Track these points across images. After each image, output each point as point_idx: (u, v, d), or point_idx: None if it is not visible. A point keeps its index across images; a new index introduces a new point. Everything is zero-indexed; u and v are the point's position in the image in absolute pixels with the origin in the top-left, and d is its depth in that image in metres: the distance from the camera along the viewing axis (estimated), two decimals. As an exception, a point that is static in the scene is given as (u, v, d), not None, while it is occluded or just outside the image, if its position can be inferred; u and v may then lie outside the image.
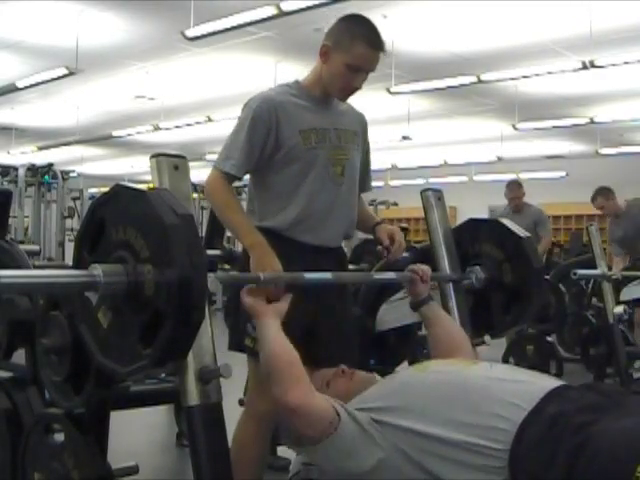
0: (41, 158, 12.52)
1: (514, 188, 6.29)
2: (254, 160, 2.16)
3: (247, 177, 2.27)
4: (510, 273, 2.52)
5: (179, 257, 1.41)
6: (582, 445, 1.38)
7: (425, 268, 2.26)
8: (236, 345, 2.19)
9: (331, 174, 2.22)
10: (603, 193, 5.84)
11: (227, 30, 6.55)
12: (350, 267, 4.83)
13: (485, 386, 1.65)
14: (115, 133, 11.87)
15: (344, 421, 1.62)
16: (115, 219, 1.54)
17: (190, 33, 6.64)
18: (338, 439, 1.61)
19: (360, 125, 2.38)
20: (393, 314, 2.78)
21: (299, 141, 2.17)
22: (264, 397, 2.05)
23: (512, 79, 8.52)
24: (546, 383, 1.65)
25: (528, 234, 2.59)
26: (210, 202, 2.26)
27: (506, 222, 2.62)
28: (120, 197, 1.56)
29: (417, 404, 1.64)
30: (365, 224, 2.42)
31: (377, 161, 3.48)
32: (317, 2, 5.81)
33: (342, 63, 2.15)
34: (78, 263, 1.61)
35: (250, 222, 2.14)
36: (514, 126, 10.82)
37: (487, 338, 2.46)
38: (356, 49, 2.14)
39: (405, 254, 3.71)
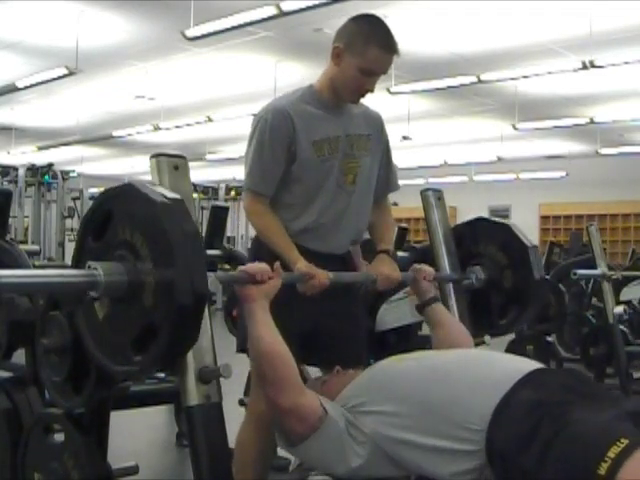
0: (41, 158, 12.53)
1: None
2: (281, 174, 2.15)
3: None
4: (511, 279, 2.52)
5: (179, 257, 1.41)
6: (558, 433, 1.39)
7: (429, 269, 2.26)
8: (239, 346, 2.20)
9: (342, 183, 2.20)
10: None
11: (227, 30, 6.56)
12: (350, 267, 4.77)
13: (462, 369, 1.69)
14: (115, 133, 11.86)
15: (330, 415, 1.66)
16: (118, 218, 1.54)
17: (190, 33, 6.65)
18: (325, 433, 1.64)
19: (374, 127, 2.31)
20: (393, 314, 2.78)
21: (312, 153, 2.15)
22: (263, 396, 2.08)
23: (512, 79, 8.52)
24: (522, 365, 1.67)
25: (535, 243, 2.57)
26: (251, 225, 2.25)
27: (515, 228, 2.60)
28: (126, 196, 1.55)
29: (393, 389, 1.67)
30: (375, 244, 2.36)
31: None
32: (317, 2, 5.80)
33: (355, 66, 2.10)
34: (80, 254, 1.61)
35: (290, 241, 2.12)
36: (514, 126, 10.81)
37: (487, 338, 2.46)
38: (370, 53, 2.08)
39: (405, 254, 3.72)
